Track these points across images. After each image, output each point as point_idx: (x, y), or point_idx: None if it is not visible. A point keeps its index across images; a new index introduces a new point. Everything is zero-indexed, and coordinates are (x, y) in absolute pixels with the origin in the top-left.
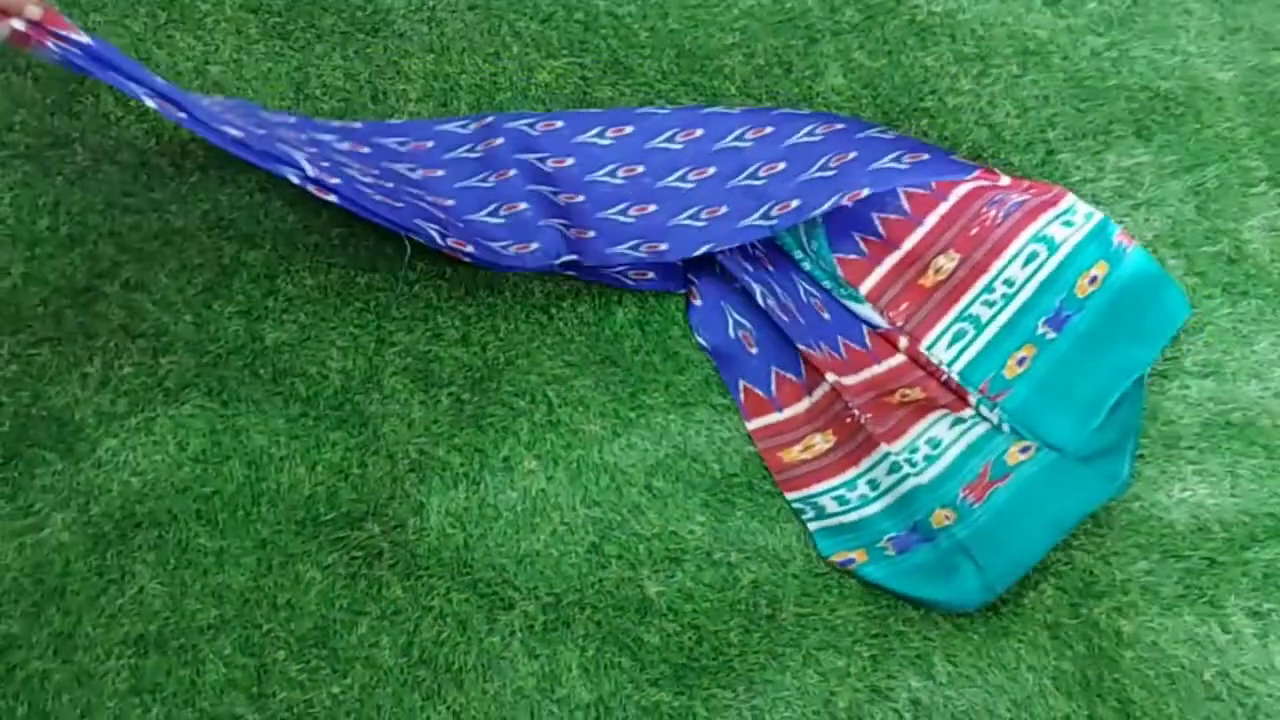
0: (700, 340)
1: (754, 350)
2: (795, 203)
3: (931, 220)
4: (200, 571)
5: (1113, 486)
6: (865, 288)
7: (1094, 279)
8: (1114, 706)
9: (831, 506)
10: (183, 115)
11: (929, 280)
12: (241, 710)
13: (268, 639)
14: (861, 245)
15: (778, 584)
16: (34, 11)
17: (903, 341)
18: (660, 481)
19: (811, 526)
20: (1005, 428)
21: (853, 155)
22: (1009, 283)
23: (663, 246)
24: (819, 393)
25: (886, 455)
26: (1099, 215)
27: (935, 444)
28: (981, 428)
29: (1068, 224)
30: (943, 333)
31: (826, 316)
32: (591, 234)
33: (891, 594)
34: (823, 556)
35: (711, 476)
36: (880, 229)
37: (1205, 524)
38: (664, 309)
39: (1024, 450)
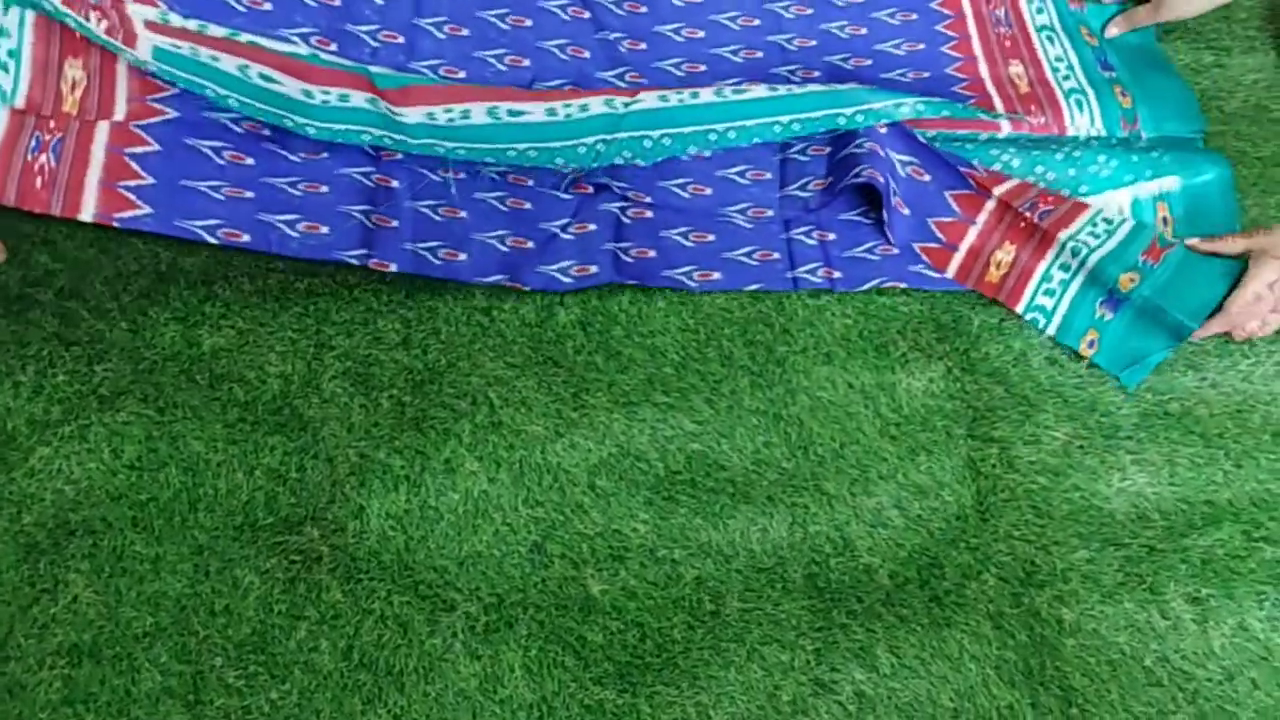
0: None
1: (907, 212)
2: (838, 273)
3: (983, 218)
4: (136, 579)
5: None
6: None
7: (1133, 278)
8: (1056, 694)
9: (1047, 302)
10: (246, 239)
11: (994, 277)
12: (178, 718)
13: (204, 646)
14: (923, 255)
15: (721, 580)
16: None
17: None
18: (604, 480)
19: (1051, 331)
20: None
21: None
22: (1065, 268)
23: (715, 275)
24: (982, 218)
25: (1064, 242)
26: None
27: (1109, 221)
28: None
29: (1109, 221)
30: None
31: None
32: (652, 254)
33: (1142, 359)
34: (1075, 350)
35: (655, 474)
36: (938, 233)
37: (1144, 512)
38: (606, 309)
39: None
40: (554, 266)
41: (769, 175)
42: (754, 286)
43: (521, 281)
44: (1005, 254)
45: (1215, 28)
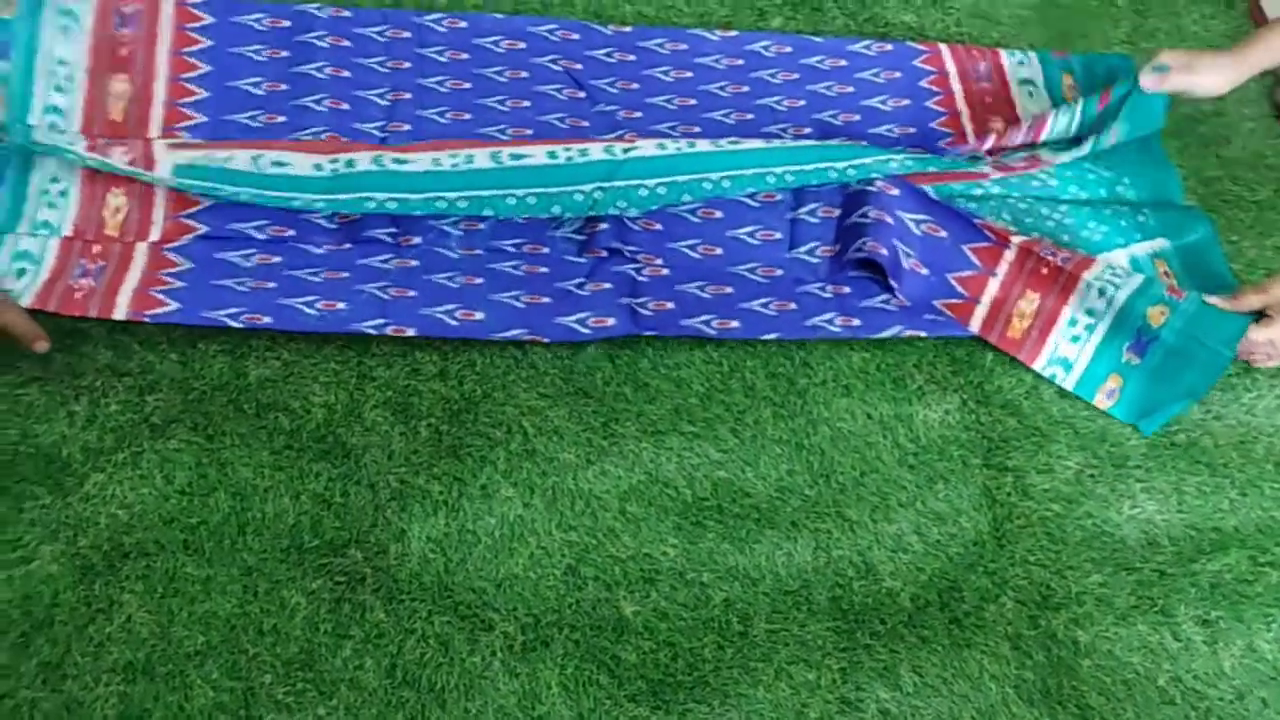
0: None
1: (926, 271)
2: (856, 321)
3: (1003, 268)
4: (187, 599)
5: None
6: None
7: (1163, 311)
8: (1074, 713)
9: (1069, 351)
10: (267, 320)
11: (1016, 331)
12: None
13: (254, 664)
14: (946, 310)
15: (749, 602)
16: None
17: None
18: (634, 506)
19: (1068, 386)
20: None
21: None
22: (1091, 312)
23: (734, 324)
24: (1002, 268)
25: (1089, 284)
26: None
27: (1133, 260)
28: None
29: (1124, 269)
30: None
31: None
32: (670, 305)
33: (1162, 406)
34: (1091, 402)
35: (683, 501)
36: (959, 289)
37: (1155, 538)
38: (633, 343)
39: None
40: (571, 318)
41: (779, 235)
42: (772, 335)
43: (540, 334)
44: (1028, 303)
45: None
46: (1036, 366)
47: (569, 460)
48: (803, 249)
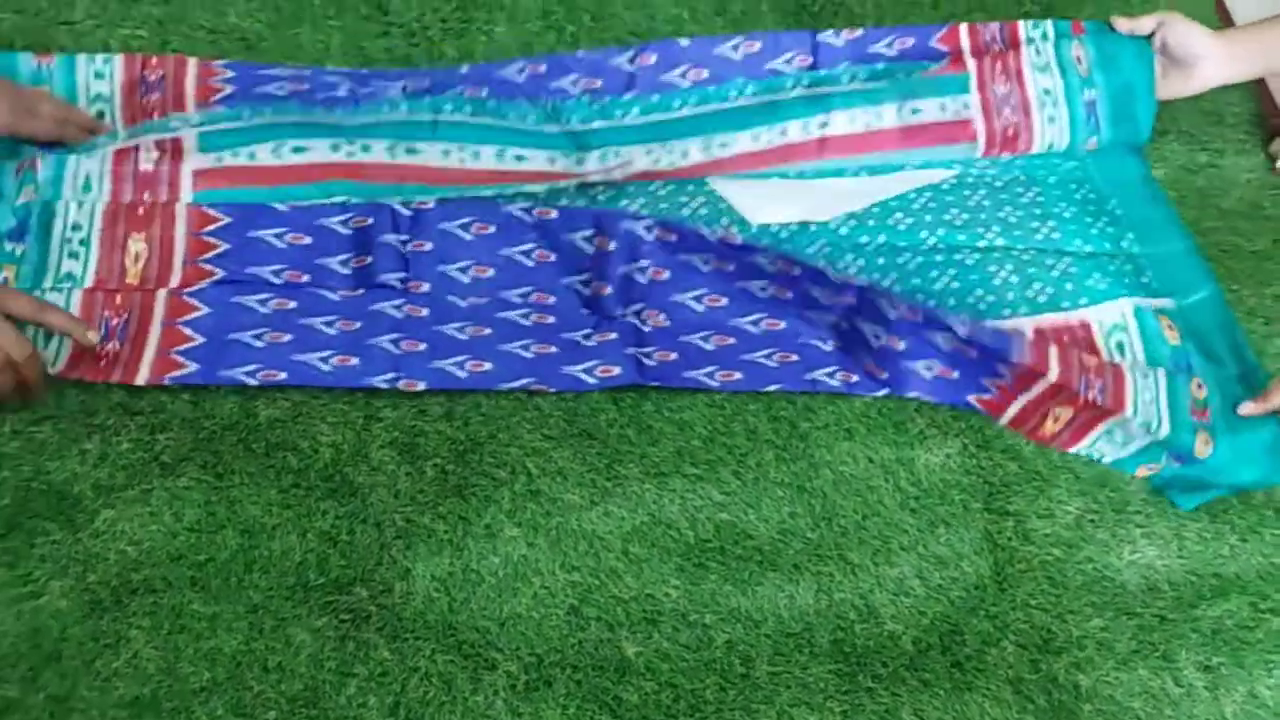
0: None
1: (956, 375)
2: (855, 378)
3: (1038, 387)
4: (194, 636)
5: None
6: None
7: (1207, 442)
8: None
9: (1107, 450)
10: (282, 376)
11: (1049, 429)
12: None
13: (259, 700)
14: (977, 405)
15: (751, 644)
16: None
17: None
18: (637, 547)
19: (1107, 461)
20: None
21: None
22: (1126, 439)
23: (737, 376)
24: (1037, 387)
25: (1125, 419)
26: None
27: (1137, 310)
28: None
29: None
30: None
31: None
32: (674, 356)
33: (1205, 490)
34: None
35: (686, 542)
36: (992, 388)
37: (1155, 583)
38: (637, 386)
39: None
40: (579, 367)
41: (789, 294)
42: (774, 387)
43: (547, 384)
44: (1064, 411)
45: (1209, 131)
46: (1073, 450)
47: (573, 501)
48: (813, 312)
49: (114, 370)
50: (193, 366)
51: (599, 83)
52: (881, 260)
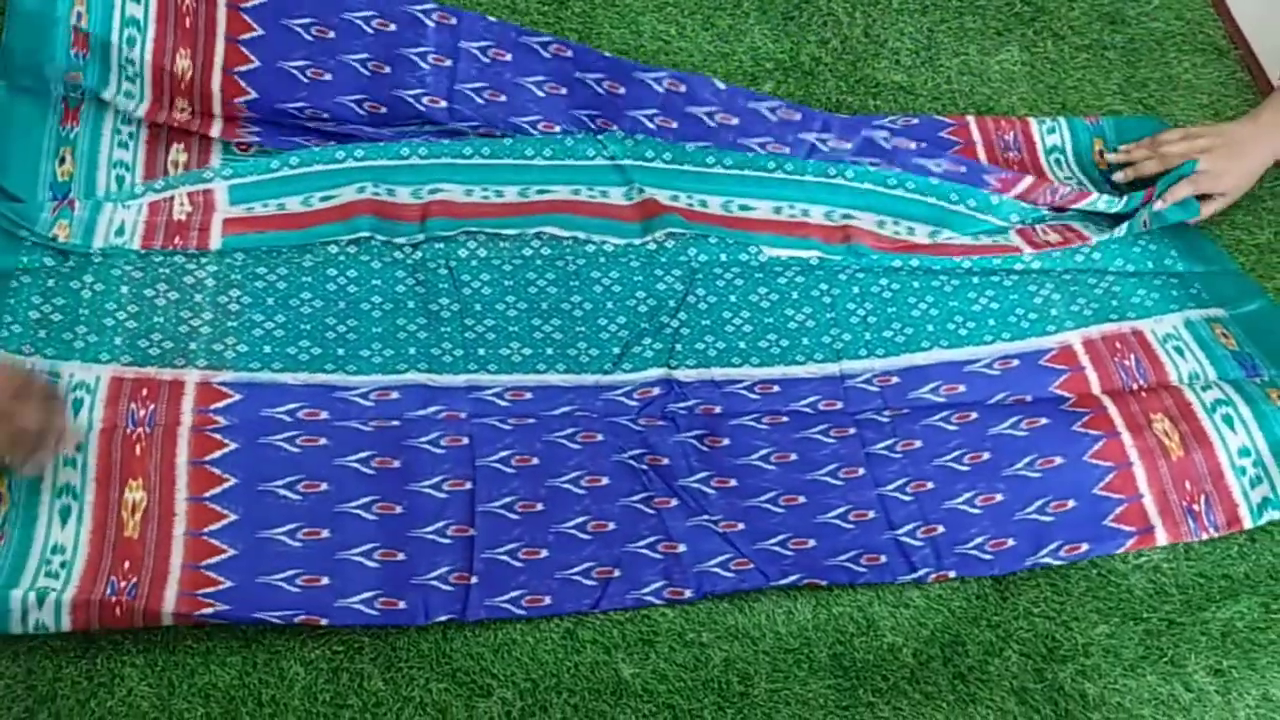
0: None
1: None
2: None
3: (1134, 455)
4: (187, 672)
5: None
6: None
7: None
8: None
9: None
10: (325, 622)
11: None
12: None
13: None
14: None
15: (749, 661)
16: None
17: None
18: None
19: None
20: None
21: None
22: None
23: (749, 565)
24: (1134, 455)
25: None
26: None
27: (1189, 323)
28: None
29: None
30: None
31: None
32: (751, 565)
33: None
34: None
35: None
36: (1114, 500)
37: (1162, 587)
38: None
39: None
40: (646, 590)
41: (861, 471)
42: (790, 579)
43: (610, 608)
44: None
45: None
46: None
47: None
48: (890, 486)
49: (133, 618)
50: (223, 607)
51: (622, 89)
52: (917, 284)
